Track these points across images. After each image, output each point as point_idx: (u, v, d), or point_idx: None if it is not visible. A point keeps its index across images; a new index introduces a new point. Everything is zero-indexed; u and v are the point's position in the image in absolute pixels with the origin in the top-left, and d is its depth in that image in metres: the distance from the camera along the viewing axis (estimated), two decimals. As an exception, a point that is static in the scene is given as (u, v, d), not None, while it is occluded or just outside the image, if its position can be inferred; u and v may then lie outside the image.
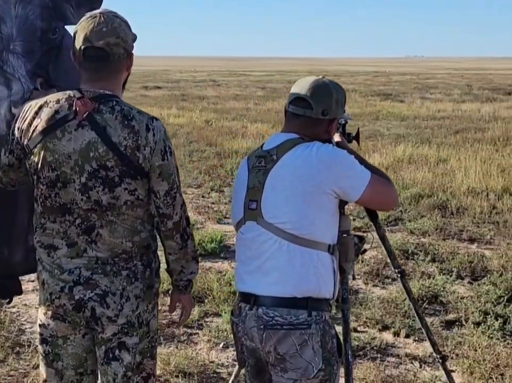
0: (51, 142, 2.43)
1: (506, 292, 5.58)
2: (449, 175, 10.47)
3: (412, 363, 4.54)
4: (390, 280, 6.07)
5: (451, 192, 9.32)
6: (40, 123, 2.45)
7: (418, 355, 4.64)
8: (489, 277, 5.97)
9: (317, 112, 2.65)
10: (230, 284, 5.61)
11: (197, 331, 4.99)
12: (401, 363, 4.53)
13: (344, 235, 2.73)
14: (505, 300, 5.41)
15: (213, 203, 9.32)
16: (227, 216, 8.26)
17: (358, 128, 3.20)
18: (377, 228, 3.23)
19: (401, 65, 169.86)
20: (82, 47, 2.43)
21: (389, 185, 2.74)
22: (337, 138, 2.89)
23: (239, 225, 2.70)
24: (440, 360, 3.46)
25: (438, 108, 23.72)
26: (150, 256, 2.63)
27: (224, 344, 4.76)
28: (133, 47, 2.59)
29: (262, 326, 2.53)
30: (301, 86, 2.69)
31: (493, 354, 4.39)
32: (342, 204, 2.71)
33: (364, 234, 3.07)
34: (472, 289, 5.82)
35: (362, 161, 2.71)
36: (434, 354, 3.47)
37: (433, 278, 5.97)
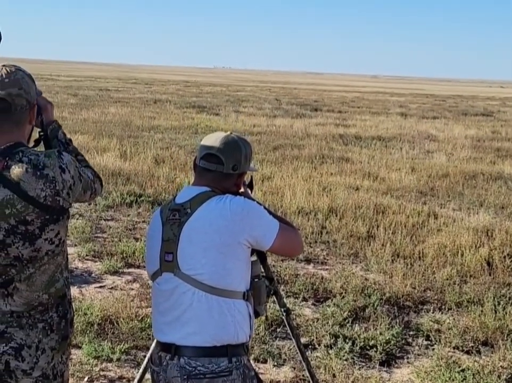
0: None
1: (350, 313, 5.99)
2: (277, 194, 10.88)
3: (275, 389, 4.75)
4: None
5: (282, 212, 9.71)
6: None
7: (279, 381, 4.85)
8: (332, 299, 6.33)
9: (228, 168, 2.79)
10: (86, 314, 5.52)
11: (58, 366, 4.85)
12: (265, 390, 4.72)
13: (256, 280, 2.88)
14: (350, 322, 5.80)
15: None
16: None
17: (251, 177, 3.35)
18: (266, 270, 3.39)
19: (210, 75, 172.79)
20: None
21: (296, 233, 2.93)
22: (242, 189, 3.03)
23: (155, 276, 2.76)
24: (318, 392, 3.69)
25: (253, 122, 24.38)
26: (66, 306, 2.65)
27: (88, 378, 4.68)
28: (36, 100, 2.59)
29: (185, 377, 2.61)
30: (211, 143, 2.83)
31: (350, 377, 4.69)
32: (251, 251, 2.85)
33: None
34: (318, 311, 6.14)
35: (269, 212, 2.87)
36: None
37: (282, 301, 6.23)
